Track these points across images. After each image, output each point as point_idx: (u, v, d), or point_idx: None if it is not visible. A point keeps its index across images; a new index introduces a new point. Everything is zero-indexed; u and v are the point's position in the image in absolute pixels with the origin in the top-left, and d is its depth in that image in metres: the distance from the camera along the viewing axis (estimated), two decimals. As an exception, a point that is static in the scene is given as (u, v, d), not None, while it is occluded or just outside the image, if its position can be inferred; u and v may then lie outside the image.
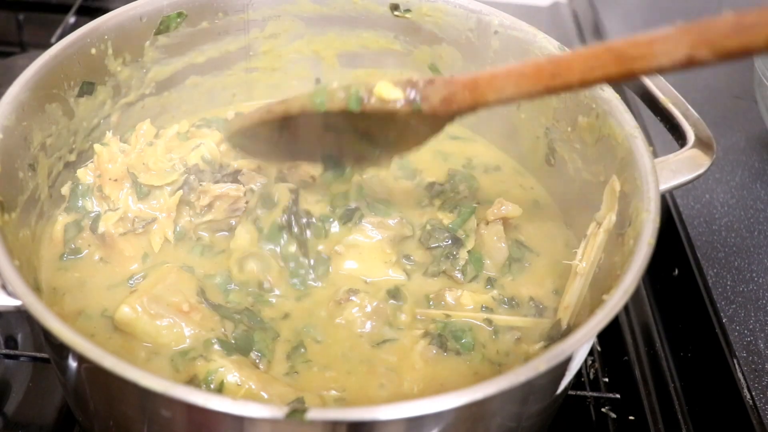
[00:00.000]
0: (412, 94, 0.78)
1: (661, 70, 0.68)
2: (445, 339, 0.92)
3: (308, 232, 0.98)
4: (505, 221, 1.02)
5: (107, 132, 1.07)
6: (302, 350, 0.90)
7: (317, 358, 0.90)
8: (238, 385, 0.83)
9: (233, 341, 0.89)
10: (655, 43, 0.67)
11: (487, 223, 1.02)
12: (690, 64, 0.65)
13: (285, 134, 0.89)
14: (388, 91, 0.78)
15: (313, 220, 0.99)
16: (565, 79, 0.73)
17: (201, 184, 1.02)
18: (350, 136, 0.87)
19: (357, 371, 0.89)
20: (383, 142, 0.87)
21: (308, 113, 0.83)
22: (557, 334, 0.92)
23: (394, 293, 0.97)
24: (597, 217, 0.96)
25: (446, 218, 1.04)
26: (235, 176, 1.03)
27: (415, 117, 0.79)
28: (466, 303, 0.96)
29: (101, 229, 0.98)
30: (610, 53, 0.70)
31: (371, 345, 0.92)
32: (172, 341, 0.88)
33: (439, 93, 0.78)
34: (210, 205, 1.01)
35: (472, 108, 0.78)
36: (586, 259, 0.94)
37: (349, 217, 1.00)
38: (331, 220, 0.99)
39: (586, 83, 0.73)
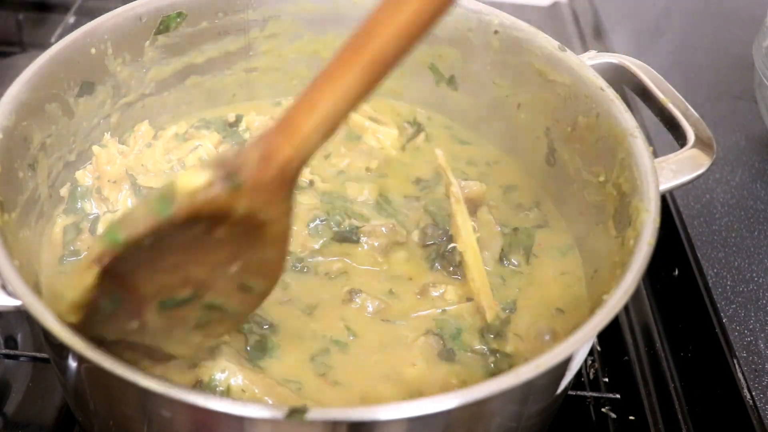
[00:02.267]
0: (224, 171, 0.60)
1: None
2: (445, 340, 0.92)
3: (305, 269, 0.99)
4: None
5: (105, 133, 1.07)
6: (325, 354, 0.90)
7: (338, 363, 0.89)
8: (243, 390, 0.83)
9: (248, 352, 0.89)
10: None
11: (473, 215, 1.02)
12: None
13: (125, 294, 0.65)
14: (193, 178, 0.59)
15: (305, 262, 0.99)
16: (379, 44, 0.57)
17: (200, 185, 1.02)
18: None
19: (371, 376, 0.89)
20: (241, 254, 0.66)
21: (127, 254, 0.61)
22: (487, 326, 0.93)
23: (394, 293, 0.97)
24: (446, 194, 0.99)
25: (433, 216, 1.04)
26: None
27: (244, 199, 0.60)
28: (449, 298, 0.96)
29: (100, 230, 0.98)
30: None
31: (376, 344, 0.92)
32: None
33: (254, 154, 0.60)
34: (209, 206, 1.01)
35: (302, 151, 0.60)
36: (458, 237, 0.96)
37: (344, 238, 1.00)
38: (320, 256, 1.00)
39: (406, 37, 0.58)
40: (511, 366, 0.90)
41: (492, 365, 0.90)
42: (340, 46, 0.60)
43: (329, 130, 0.59)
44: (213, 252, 0.63)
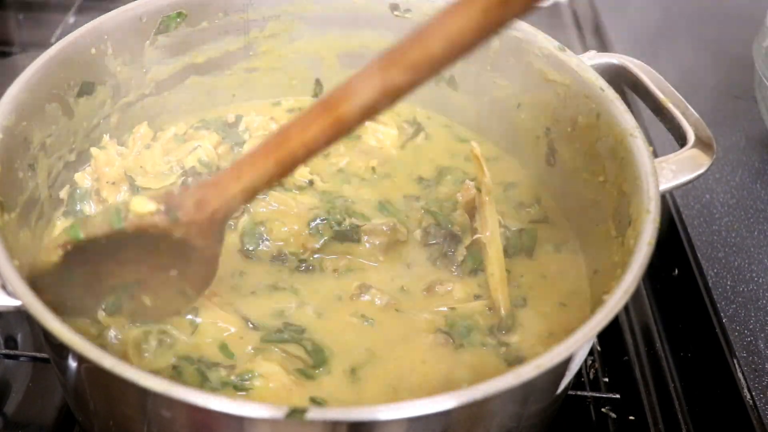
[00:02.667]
0: (167, 205, 0.76)
1: (370, 110, 0.65)
2: (453, 336, 0.92)
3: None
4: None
5: (104, 135, 1.06)
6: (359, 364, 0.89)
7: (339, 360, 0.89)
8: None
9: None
10: (352, 81, 0.65)
11: (472, 213, 1.02)
12: (389, 93, 0.64)
13: (79, 278, 0.82)
14: (143, 205, 0.76)
15: (308, 261, 0.99)
16: (288, 149, 0.70)
17: (199, 186, 1.01)
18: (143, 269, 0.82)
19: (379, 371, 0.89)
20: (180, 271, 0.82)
21: (85, 247, 0.78)
22: (498, 323, 0.93)
23: (402, 289, 0.97)
24: (474, 185, 1.00)
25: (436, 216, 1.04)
26: None
27: (180, 229, 0.76)
28: (457, 295, 0.96)
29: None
30: (320, 106, 0.68)
31: (386, 339, 0.92)
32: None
33: (193, 197, 0.75)
34: (208, 207, 1.01)
35: (227, 206, 0.75)
36: (485, 228, 0.96)
37: (345, 237, 1.00)
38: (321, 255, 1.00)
39: (309, 147, 0.69)
40: (519, 357, 0.91)
41: (503, 356, 0.91)
42: (265, 138, 0.74)
43: (249, 196, 0.75)
44: (156, 257, 0.79)
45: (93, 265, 0.79)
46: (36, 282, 0.78)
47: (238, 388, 0.83)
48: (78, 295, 0.83)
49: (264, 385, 0.83)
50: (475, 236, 0.98)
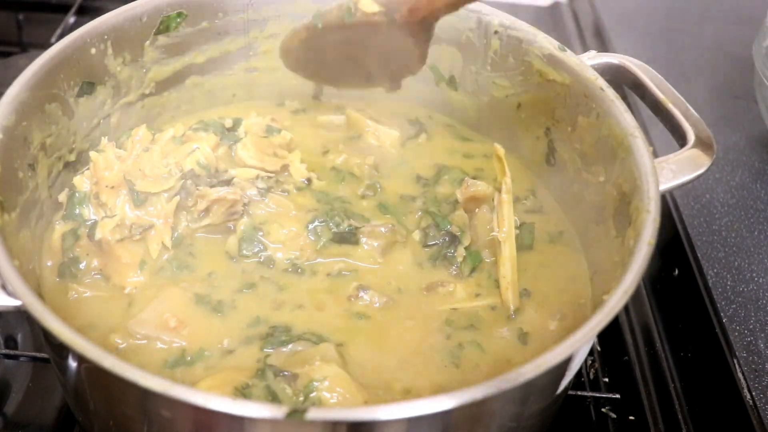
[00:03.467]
0: (387, 8, 1.01)
1: None
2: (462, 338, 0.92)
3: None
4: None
5: (103, 138, 1.06)
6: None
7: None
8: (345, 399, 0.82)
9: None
10: None
11: (473, 213, 1.02)
12: None
13: (318, 55, 1.12)
14: (370, 6, 1.02)
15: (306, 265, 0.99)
16: None
17: (198, 189, 1.01)
18: (363, 55, 1.09)
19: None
20: (387, 58, 1.09)
21: (323, 32, 1.07)
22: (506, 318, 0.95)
23: (400, 289, 0.98)
24: (494, 185, 1.01)
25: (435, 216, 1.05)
26: (229, 183, 1.03)
27: (394, 26, 1.01)
28: (458, 295, 0.97)
29: (98, 236, 0.97)
30: None
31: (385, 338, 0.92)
32: (167, 356, 0.88)
33: (407, 4, 1.00)
34: (207, 210, 1.00)
35: (432, 12, 1.00)
36: (502, 226, 0.98)
37: (343, 239, 1.00)
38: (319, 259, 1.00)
39: None
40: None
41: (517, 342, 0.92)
42: None
43: (449, 11, 1.00)
44: (375, 44, 1.06)
45: (326, 44, 1.07)
46: (284, 53, 1.14)
47: None
48: (313, 62, 1.14)
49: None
50: (492, 234, 0.99)
